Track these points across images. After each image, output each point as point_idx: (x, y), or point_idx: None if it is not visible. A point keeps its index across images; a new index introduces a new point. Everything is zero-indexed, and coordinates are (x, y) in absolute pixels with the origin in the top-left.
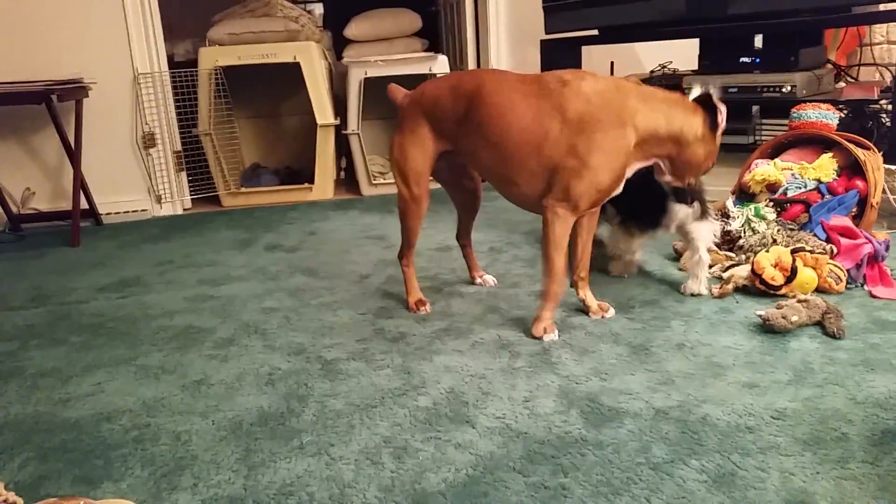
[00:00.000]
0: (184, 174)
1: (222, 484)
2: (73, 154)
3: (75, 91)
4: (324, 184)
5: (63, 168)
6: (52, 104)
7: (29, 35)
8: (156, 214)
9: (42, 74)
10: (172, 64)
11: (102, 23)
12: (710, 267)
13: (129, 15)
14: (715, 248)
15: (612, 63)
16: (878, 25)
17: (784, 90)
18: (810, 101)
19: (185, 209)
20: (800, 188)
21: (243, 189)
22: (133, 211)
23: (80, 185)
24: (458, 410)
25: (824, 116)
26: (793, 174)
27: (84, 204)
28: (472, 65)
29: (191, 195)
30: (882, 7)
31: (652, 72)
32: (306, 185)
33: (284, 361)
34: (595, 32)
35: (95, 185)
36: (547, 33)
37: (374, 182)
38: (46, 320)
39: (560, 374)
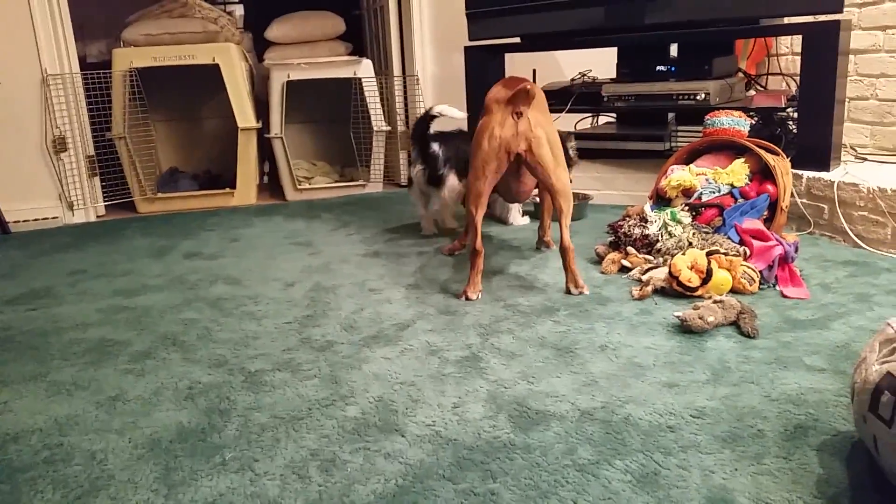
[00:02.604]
0: (97, 179)
1: None
2: None
3: None
4: (246, 189)
5: None
6: None
7: None
8: (67, 222)
9: None
10: (85, 65)
11: (6, 21)
12: (629, 270)
13: (36, 13)
14: (633, 250)
15: (534, 70)
16: (783, 37)
17: (698, 98)
18: (723, 109)
19: (98, 216)
20: (714, 193)
21: (160, 194)
22: (43, 218)
23: None
24: (388, 419)
25: (736, 123)
26: (707, 179)
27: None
28: (397, 70)
29: (105, 201)
30: (786, 20)
31: (572, 79)
32: (227, 189)
33: (205, 374)
34: (517, 40)
35: (2, 192)
36: (470, 40)
37: (299, 187)
38: None
39: (489, 378)
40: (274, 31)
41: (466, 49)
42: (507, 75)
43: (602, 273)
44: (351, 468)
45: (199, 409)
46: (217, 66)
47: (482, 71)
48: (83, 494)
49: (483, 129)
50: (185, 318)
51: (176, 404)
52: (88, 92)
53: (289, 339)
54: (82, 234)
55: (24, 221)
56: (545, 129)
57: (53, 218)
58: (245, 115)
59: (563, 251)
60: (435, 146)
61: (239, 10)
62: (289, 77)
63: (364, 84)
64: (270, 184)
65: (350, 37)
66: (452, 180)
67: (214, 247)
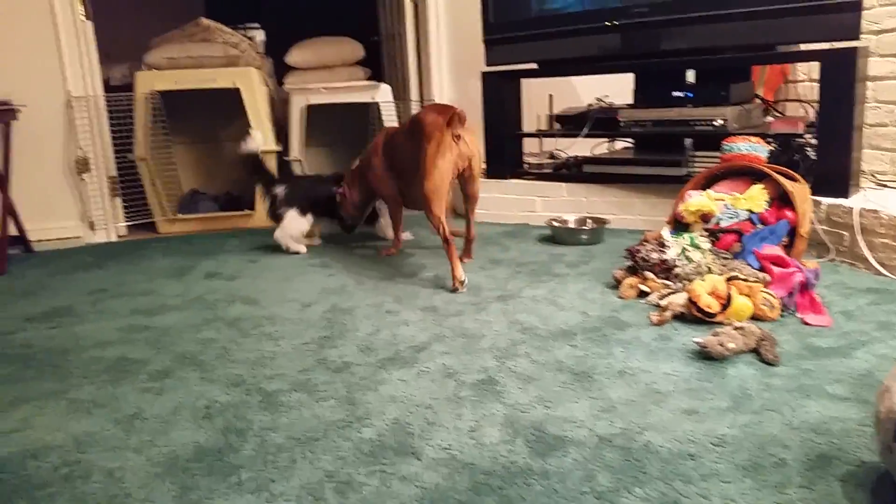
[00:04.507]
0: (118, 200)
1: None
2: (2, 178)
3: (3, 113)
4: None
5: None
6: None
7: None
8: (89, 241)
9: None
10: (108, 88)
11: (33, 45)
12: (647, 295)
13: (62, 37)
14: (651, 275)
15: (550, 96)
16: (800, 63)
17: (715, 124)
18: (741, 134)
19: (119, 236)
20: (732, 218)
21: (181, 216)
22: (65, 238)
23: (8, 210)
24: (404, 441)
25: (754, 149)
26: (725, 205)
27: (13, 230)
28: (414, 95)
29: (126, 222)
30: (803, 47)
31: (589, 105)
32: (247, 211)
33: (222, 394)
34: (534, 66)
35: (26, 211)
36: (487, 65)
37: None
38: None
39: (505, 402)
40: (294, 57)
41: (483, 75)
42: (523, 100)
43: (620, 298)
44: (367, 491)
45: (216, 428)
46: (237, 90)
47: (499, 96)
48: None
49: (437, 151)
50: (203, 338)
51: (193, 423)
52: (111, 114)
53: (305, 360)
54: (104, 253)
55: (47, 241)
56: (477, 148)
57: (75, 237)
58: (265, 138)
59: (469, 241)
60: (279, 189)
61: (260, 36)
62: (308, 101)
63: (382, 108)
64: None
65: (369, 62)
66: (292, 215)
67: (233, 267)
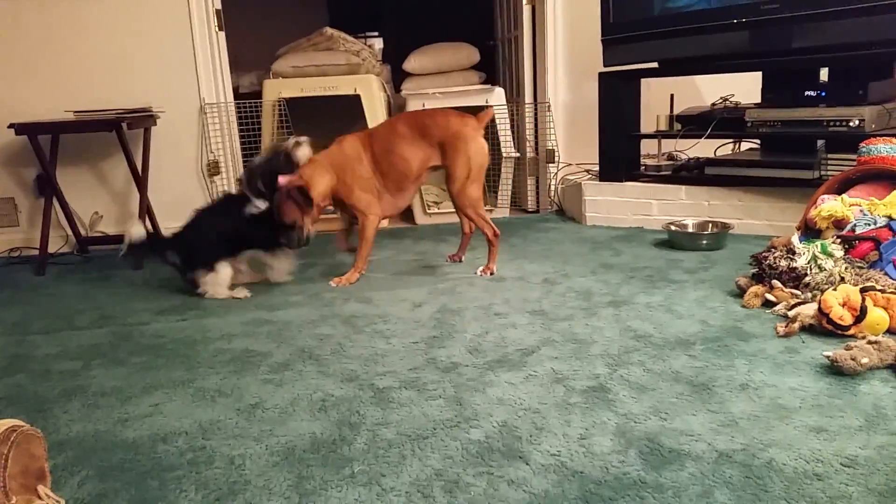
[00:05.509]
0: None
1: None
2: (140, 180)
3: (144, 119)
4: None
5: (130, 193)
6: (121, 132)
7: (102, 66)
8: None
9: (113, 104)
10: (237, 95)
11: (172, 55)
12: (774, 305)
13: (198, 48)
14: (779, 283)
15: (671, 96)
16: None
17: (852, 124)
18: (881, 136)
19: None
20: (869, 225)
21: None
22: None
23: (145, 209)
24: (511, 445)
25: None
26: (861, 210)
27: (149, 228)
28: (528, 97)
29: None
30: None
31: (713, 104)
32: None
33: (337, 388)
34: (654, 65)
35: (161, 211)
36: (605, 66)
37: (428, 211)
38: (109, 341)
39: (617, 411)
40: (412, 63)
41: (601, 75)
42: (641, 101)
43: (744, 307)
44: (474, 492)
45: (330, 420)
46: (358, 96)
47: (616, 96)
48: (222, 497)
49: (478, 151)
50: (320, 334)
51: (310, 415)
52: (240, 120)
53: (415, 359)
54: None
55: None
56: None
57: None
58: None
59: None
60: (170, 255)
61: (378, 43)
62: (424, 106)
63: (495, 111)
64: None
65: (484, 66)
66: (208, 272)
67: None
